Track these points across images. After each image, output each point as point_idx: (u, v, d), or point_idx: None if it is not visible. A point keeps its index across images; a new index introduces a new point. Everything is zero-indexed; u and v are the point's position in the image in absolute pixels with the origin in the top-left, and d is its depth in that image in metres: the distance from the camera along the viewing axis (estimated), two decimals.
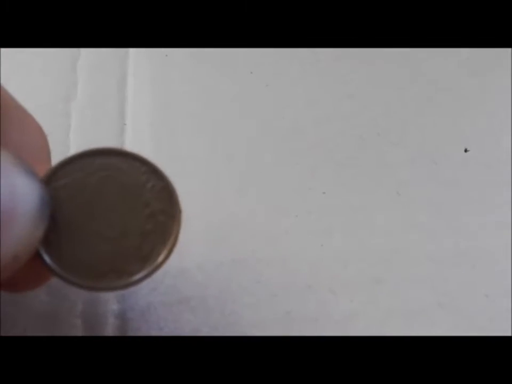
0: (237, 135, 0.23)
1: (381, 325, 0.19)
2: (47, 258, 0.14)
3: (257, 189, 0.22)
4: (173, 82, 0.24)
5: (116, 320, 0.19)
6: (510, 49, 0.25)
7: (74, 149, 0.22)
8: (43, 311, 0.19)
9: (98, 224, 0.14)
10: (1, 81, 0.15)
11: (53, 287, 0.19)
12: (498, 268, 0.20)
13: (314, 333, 0.19)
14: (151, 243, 0.14)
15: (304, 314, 0.19)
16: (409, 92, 0.24)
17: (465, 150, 0.22)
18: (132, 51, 0.24)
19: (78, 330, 0.19)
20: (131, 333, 0.19)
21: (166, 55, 0.24)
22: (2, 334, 0.18)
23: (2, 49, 0.22)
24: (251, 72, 0.24)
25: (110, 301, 0.19)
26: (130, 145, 0.22)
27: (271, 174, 0.22)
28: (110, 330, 0.19)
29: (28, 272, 0.14)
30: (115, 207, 0.14)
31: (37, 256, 0.14)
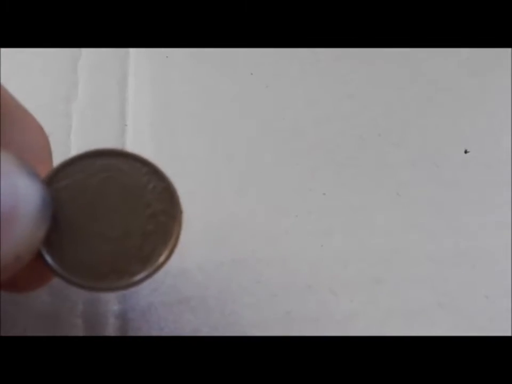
0: (237, 135, 0.23)
1: (381, 325, 0.19)
2: (48, 258, 0.14)
3: (257, 189, 0.22)
4: (173, 83, 0.24)
5: (116, 320, 0.19)
6: (510, 49, 0.25)
7: (75, 149, 0.22)
8: (44, 311, 0.19)
9: (99, 225, 0.14)
10: (1, 81, 0.15)
11: (54, 287, 0.19)
12: (498, 268, 0.20)
13: (315, 333, 0.19)
14: (152, 244, 0.14)
15: (304, 314, 0.19)
16: (409, 92, 0.24)
17: (465, 151, 0.22)
18: (133, 51, 0.24)
19: (78, 330, 0.19)
20: (132, 333, 0.19)
21: (167, 56, 0.24)
22: (3, 334, 0.18)
23: (2, 49, 0.22)
24: (251, 74, 0.24)
25: (111, 301, 0.19)
26: (131, 145, 0.22)
27: (271, 174, 0.22)
28: (110, 330, 0.19)
29: (29, 272, 0.14)
30: (116, 208, 0.14)
31: (38, 256, 0.14)
